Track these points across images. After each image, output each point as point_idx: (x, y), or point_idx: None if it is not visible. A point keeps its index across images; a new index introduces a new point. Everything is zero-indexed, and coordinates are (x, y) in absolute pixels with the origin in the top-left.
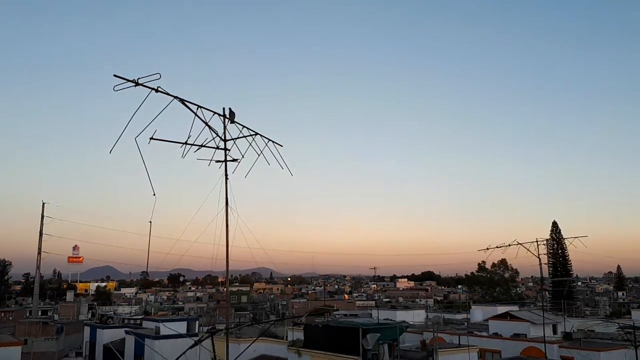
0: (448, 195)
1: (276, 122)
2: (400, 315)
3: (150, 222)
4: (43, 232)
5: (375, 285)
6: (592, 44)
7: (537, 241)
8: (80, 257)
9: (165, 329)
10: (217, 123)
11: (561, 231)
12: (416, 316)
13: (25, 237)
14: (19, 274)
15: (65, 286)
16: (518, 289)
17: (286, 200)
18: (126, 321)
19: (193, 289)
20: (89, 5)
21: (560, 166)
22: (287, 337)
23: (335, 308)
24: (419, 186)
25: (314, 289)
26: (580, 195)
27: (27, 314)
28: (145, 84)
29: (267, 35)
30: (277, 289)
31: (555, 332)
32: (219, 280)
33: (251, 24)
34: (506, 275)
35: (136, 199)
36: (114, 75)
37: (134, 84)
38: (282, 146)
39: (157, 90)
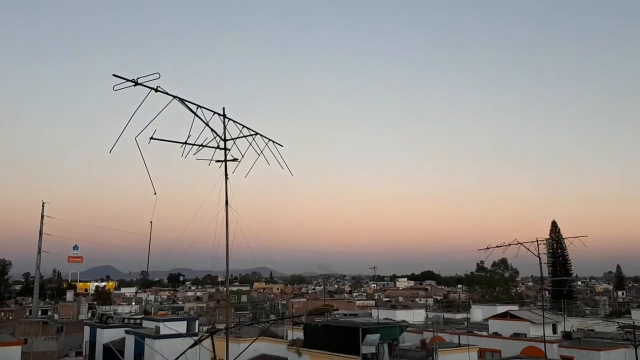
0: (448, 194)
1: (276, 122)
2: (400, 315)
3: (151, 222)
4: (43, 231)
5: (375, 285)
6: (592, 42)
7: (537, 241)
8: (80, 257)
9: (165, 328)
10: (217, 123)
11: (561, 231)
12: (416, 316)
13: (25, 237)
14: (18, 274)
15: (65, 286)
16: (518, 288)
17: (286, 200)
18: (126, 321)
19: (193, 288)
20: (89, 4)
21: (560, 166)
22: (287, 336)
23: (335, 308)
24: (419, 185)
25: (313, 289)
26: (580, 195)
27: (27, 314)
28: (144, 84)
29: (267, 35)
30: (277, 289)
31: (555, 331)
32: (219, 279)
33: (251, 24)
34: (506, 274)
35: (136, 198)
36: (113, 75)
37: (134, 84)
38: (282, 146)
39: (156, 90)
